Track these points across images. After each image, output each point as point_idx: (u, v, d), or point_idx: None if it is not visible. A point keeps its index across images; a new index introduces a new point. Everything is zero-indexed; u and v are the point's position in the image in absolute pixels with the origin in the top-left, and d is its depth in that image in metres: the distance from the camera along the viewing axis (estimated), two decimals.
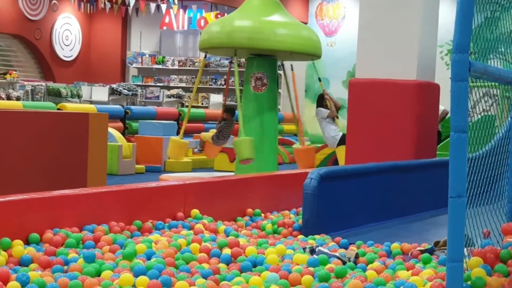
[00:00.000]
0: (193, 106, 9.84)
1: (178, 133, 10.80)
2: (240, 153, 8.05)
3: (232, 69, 9.31)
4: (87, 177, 6.08)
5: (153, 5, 16.87)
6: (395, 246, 4.11)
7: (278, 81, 9.11)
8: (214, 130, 9.81)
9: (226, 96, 10.42)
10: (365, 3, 6.83)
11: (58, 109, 11.20)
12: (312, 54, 8.71)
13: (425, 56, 6.71)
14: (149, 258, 3.44)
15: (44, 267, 3.26)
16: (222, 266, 3.47)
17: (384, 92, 6.58)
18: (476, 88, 3.16)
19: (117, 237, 3.83)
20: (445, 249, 3.62)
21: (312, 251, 3.80)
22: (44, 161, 5.76)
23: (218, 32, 8.39)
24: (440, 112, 7.87)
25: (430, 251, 3.88)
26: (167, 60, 18.62)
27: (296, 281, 3.21)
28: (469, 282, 2.83)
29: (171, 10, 17.49)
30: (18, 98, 14.04)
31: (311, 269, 3.37)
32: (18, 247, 3.44)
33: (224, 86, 14.46)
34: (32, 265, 3.29)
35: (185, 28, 18.39)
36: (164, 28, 18.61)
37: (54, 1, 18.12)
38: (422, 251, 3.90)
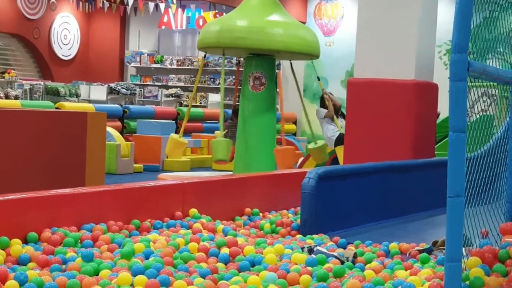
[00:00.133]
0: (192, 106, 9.86)
1: (177, 132, 10.79)
2: (215, 154, 8.34)
3: (240, 69, 9.37)
4: (85, 176, 6.07)
5: (151, 4, 16.88)
6: (393, 245, 4.11)
7: (277, 81, 9.12)
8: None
9: (236, 97, 10.46)
10: (364, 3, 6.83)
11: (56, 108, 11.22)
12: (310, 54, 8.71)
13: (424, 56, 6.71)
14: (147, 257, 3.43)
15: (42, 266, 3.25)
16: (220, 265, 3.46)
17: (383, 92, 6.58)
18: (474, 88, 3.16)
19: (115, 236, 3.83)
20: (443, 249, 3.61)
21: (310, 251, 3.80)
22: (42, 160, 5.76)
23: (217, 31, 8.38)
24: None
25: (428, 251, 3.88)
26: (166, 60, 18.62)
27: (294, 281, 3.20)
28: (467, 282, 2.83)
29: (169, 9, 17.50)
30: (16, 97, 14.05)
31: (309, 268, 3.36)
32: (16, 246, 3.44)
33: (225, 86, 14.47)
34: (30, 264, 3.29)
35: (184, 27, 18.39)
36: (163, 27, 18.61)
37: (52, 0, 18.11)
38: (420, 251, 3.89)
